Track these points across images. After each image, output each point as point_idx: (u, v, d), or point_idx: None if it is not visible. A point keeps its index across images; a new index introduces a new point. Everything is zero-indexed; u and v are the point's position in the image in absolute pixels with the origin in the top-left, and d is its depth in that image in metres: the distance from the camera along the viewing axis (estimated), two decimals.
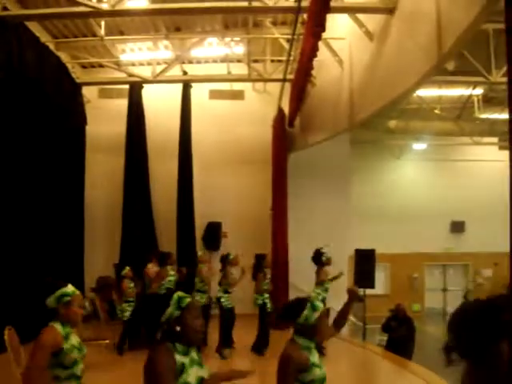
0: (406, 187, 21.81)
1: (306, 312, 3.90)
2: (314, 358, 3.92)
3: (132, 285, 10.70)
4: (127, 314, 10.41)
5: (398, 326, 12.73)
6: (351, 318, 14.01)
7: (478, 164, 21.59)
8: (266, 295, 10.63)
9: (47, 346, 3.85)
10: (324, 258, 10.30)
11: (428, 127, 18.92)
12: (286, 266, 14.53)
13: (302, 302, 4.01)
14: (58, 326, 3.98)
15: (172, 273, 11.43)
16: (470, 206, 21.10)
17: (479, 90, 16.85)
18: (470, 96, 16.68)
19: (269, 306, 10.60)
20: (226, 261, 10.65)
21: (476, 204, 20.89)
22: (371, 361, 11.02)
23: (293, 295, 10.16)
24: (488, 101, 17.44)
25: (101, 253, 15.36)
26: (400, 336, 12.38)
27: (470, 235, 21.72)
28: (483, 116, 17.86)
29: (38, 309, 4.11)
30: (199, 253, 11.73)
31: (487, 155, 21.10)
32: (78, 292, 4.15)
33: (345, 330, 12.32)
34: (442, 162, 21.97)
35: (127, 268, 10.87)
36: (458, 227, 22.12)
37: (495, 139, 20.19)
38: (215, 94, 16.88)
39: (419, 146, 21.54)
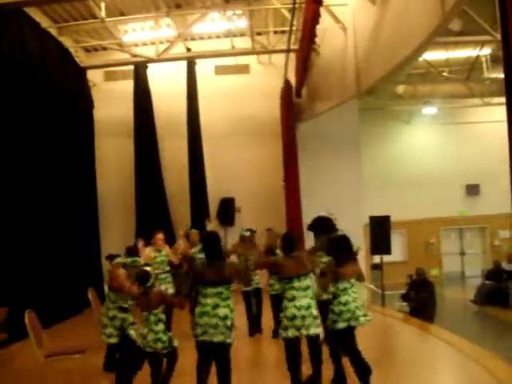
0: (418, 152, 21.61)
1: None
2: None
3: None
4: None
5: (417, 294, 12.83)
6: (370, 285, 14.02)
7: (489, 125, 21.24)
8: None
9: None
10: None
11: (437, 90, 18.66)
12: (300, 237, 14.50)
13: None
14: None
15: None
16: (484, 168, 20.85)
17: (487, 50, 16.59)
18: (478, 56, 16.43)
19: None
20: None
21: (490, 166, 20.58)
22: (391, 326, 11.03)
23: None
24: (496, 60, 17.17)
25: (117, 235, 15.25)
26: (420, 299, 12.44)
27: (485, 197, 21.52)
28: (492, 76, 17.61)
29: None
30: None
31: (498, 116, 20.73)
32: None
33: (364, 297, 12.30)
34: (452, 125, 21.73)
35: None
36: (473, 190, 21.95)
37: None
38: (221, 70, 16.77)
39: (429, 110, 21.29)
